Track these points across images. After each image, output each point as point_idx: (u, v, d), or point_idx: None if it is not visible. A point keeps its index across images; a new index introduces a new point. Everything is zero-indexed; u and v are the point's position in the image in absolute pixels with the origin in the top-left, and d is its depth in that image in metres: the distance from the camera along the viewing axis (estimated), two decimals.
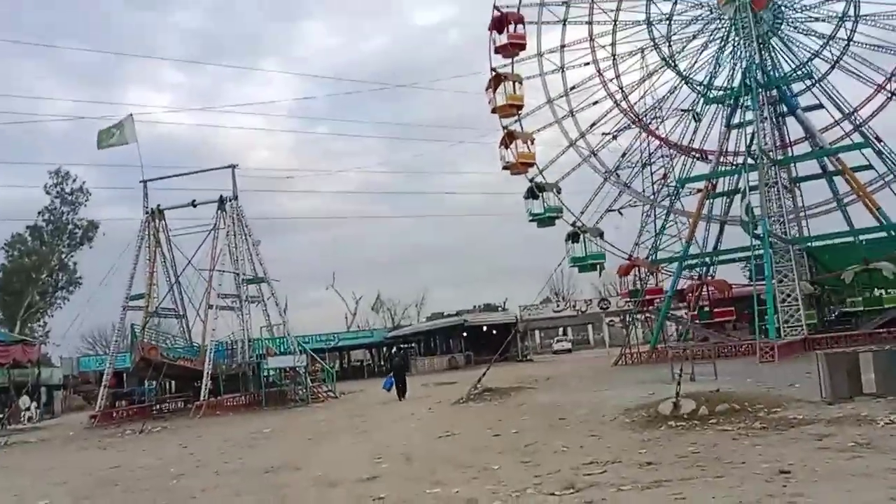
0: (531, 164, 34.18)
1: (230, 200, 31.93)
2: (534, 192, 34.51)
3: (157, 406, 31.01)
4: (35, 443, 23.54)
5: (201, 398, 27.69)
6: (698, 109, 33.98)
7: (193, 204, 32.29)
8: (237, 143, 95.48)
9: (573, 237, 34.48)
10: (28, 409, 34.38)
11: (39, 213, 58.52)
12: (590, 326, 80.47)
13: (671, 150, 35.18)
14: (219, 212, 31.94)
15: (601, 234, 34.27)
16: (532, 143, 34.27)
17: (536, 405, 18.10)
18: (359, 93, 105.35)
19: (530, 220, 35.10)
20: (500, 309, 66.33)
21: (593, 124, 35.19)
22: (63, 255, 59.53)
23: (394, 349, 61.53)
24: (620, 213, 35.15)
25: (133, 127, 31.36)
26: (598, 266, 36.01)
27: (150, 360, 28.59)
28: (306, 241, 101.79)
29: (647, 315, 36.16)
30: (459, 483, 9.47)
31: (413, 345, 66.49)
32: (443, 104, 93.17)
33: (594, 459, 10.07)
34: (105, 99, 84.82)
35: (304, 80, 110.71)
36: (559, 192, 34.65)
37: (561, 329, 79.03)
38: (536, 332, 75.22)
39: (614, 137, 35.66)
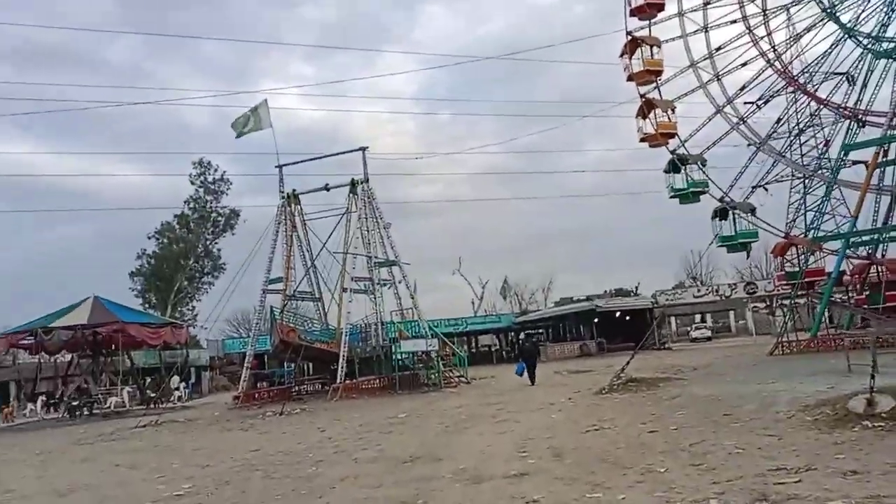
0: (672, 135, 31.34)
1: (361, 183, 31.96)
2: (675, 165, 31.81)
3: (296, 388, 31.71)
4: (183, 422, 24.44)
5: (337, 381, 27.89)
6: (866, 65, 30.06)
7: (327, 188, 32.70)
8: (364, 132, 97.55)
9: (721, 214, 31.63)
10: (177, 388, 36.21)
11: (185, 202, 62.27)
12: (731, 313, 75.86)
13: (833, 114, 31.56)
14: (351, 195, 32.12)
15: (753, 210, 31.20)
16: (673, 111, 31.52)
17: (692, 398, 16.44)
18: (480, 71, 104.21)
19: (671, 196, 32.46)
20: (632, 294, 63.80)
21: (743, 87, 31.86)
22: (208, 242, 62.96)
23: (522, 335, 60.91)
24: (766, 189, 31.97)
25: (268, 112, 32.02)
26: (747, 246, 33.04)
27: (288, 343, 29.17)
28: (433, 226, 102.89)
29: (795, 300, 33.00)
30: (622, 487, 8.31)
31: (541, 330, 65.31)
32: (567, 83, 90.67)
33: (781, 465, 8.60)
34: (239, 94, 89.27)
35: (426, 65, 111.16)
36: (704, 164, 31.75)
37: (698, 316, 75.01)
38: (672, 318, 71.70)
39: (759, 107, 32.42)
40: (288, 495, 9.86)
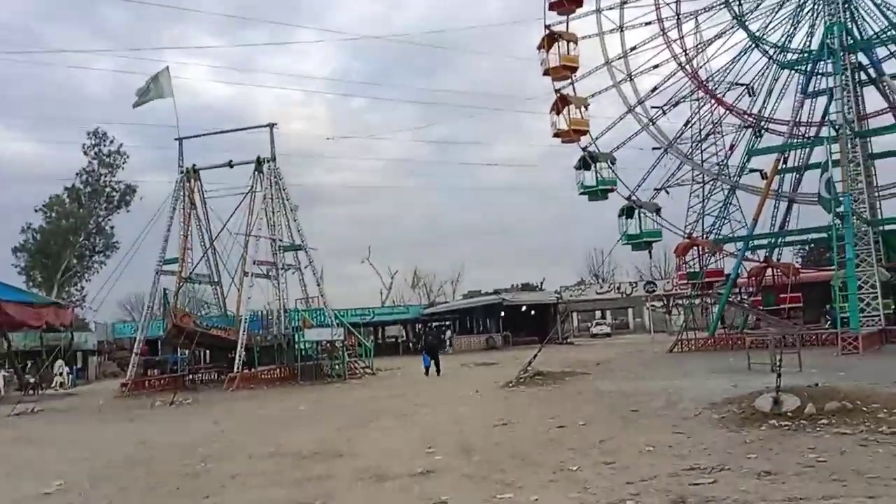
0: (585, 132, 31.66)
1: (268, 161, 30.51)
2: (586, 162, 32.17)
3: (190, 376, 30.13)
4: (63, 411, 22.63)
5: (235, 370, 26.60)
6: (771, 75, 31.22)
7: (230, 164, 31.00)
8: (274, 114, 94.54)
9: (628, 213, 32.21)
10: (60, 374, 33.72)
11: (77, 174, 58.17)
12: (629, 310, 78.36)
13: (735, 122, 32.64)
14: (256, 173, 30.55)
15: (658, 210, 31.94)
16: (586, 108, 31.85)
17: (599, 393, 16.43)
18: (395, 57, 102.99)
19: (581, 193, 32.83)
20: (538, 289, 64.69)
21: (654, 88, 32.45)
22: (100, 219, 59.12)
23: (427, 327, 60.62)
24: (667, 192, 32.83)
25: (169, 80, 30.11)
26: (651, 245, 33.83)
27: (182, 328, 27.56)
28: (341, 214, 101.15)
29: (690, 300, 34.15)
30: (535, 487, 7.91)
31: (448, 322, 65.27)
32: (481, 76, 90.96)
33: (694, 464, 8.42)
34: (142, 63, 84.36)
35: (341, 49, 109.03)
36: (613, 162, 32.26)
37: (599, 312, 77.12)
38: (574, 314, 73.33)
39: (664, 112, 33.16)
40: (172, 493, 9.03)
